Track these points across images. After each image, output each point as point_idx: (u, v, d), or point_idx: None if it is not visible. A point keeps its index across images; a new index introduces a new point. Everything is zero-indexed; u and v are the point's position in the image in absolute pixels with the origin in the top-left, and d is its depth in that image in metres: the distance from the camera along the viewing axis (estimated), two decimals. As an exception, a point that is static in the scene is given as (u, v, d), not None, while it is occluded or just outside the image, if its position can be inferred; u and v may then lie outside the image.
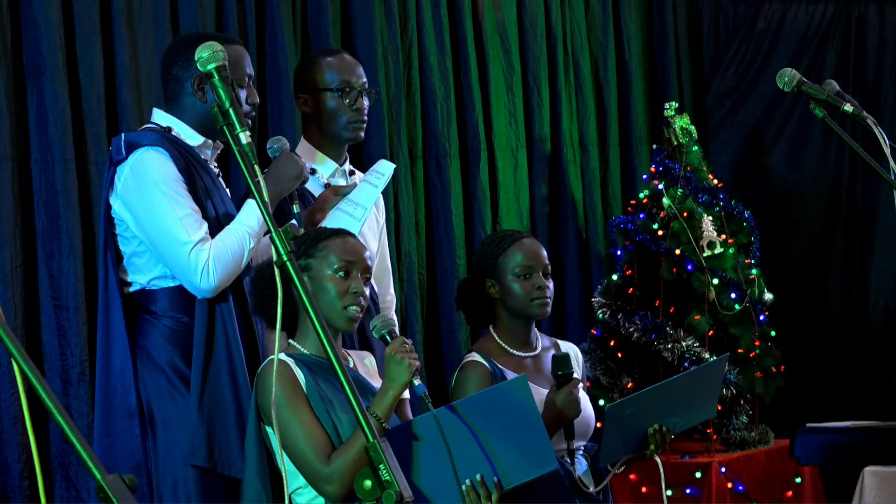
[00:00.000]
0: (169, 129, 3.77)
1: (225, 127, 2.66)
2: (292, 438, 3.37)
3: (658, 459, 3.95)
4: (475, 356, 4.00)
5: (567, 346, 4.17)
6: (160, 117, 3.82)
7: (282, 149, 3.92)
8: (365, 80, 4.29)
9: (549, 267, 4.05)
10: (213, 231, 3.67)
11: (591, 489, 3.91)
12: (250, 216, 3.66)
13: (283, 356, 3.47)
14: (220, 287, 3.62)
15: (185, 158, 3.69)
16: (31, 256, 4.43)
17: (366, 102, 4.27)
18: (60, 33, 4.46)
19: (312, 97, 4.26)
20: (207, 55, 2.73)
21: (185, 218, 3.61)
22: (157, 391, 3.68)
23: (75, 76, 4.51)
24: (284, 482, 2.80)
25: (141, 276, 3.71)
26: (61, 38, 4.46)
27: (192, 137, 3.78)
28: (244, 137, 2.64)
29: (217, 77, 2.70)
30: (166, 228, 3.61)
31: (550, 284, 4.04)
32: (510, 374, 3.92)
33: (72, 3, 4.51)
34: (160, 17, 4.71)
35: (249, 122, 3.83)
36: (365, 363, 3.67)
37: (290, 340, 3.55)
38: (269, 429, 3.42)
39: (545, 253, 4.07)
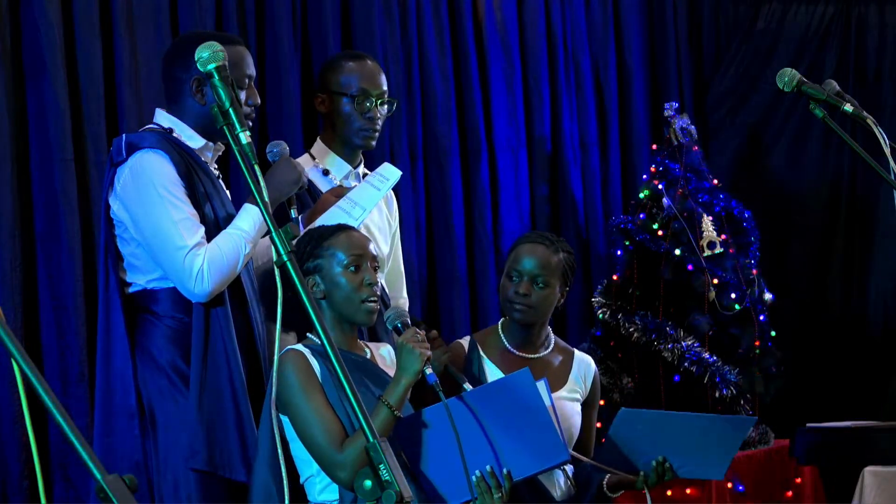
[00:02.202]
0: (170, 131, 3.76)
1: (225, 127, 2.66)
2: (306, 426, 3.43)
3: (647, 494, 3.82)
4: (464, 339, 4.04)
5: (581, 357, 4.13)
6: (162, 118, 3.81)
7: (281, 153, 3.91)
8: (385, 88, 4.28)
9: (542, 278, 3.94)
10: (214, 233, 3.67)
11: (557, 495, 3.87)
12: (247, 221, 3.66)
13: (299, 346, 3.52)
14: (214, 292, 3.62)
15: (185, 161, 3.68)
16: (30, 257, 4.43)
17: (384, 111, 4.27)
18: (60, 33, 4.45)
19: (329, 99, 4.28)
20: (208, 55, 2.72)
21: (182, 222, 3.61)
22: (159, 391, 3.68)
23: (75, 76, 4.51)
24: (284, 476, 2.81)
25: (140, 276, 3.71)
26: (61, 38, 4.46)
27: (194, 139, 3.77)
28: (244, 137, 2.63)
29: (217, 77, 2.70)
30: (162, 232, 3.60)
31: (540, 293, 3.96)
32: (487, 365, 3.93)
33: (72, 3, 4.51)
34: (160, 17, 4.71)
35: (249, 122, 3.83)
36: (381, 353, 3.71)
37: (309, 334, 3.59)
38: (284, 417, 3.46)
39: (542, 262, 3.95)
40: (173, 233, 3.60)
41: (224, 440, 3.61)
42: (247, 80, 3.79)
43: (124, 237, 3.71)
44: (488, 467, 3.46)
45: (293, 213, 3.84)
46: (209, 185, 3.72)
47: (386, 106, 4.30)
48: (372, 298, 3.54)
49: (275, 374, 2.87)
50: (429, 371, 3.41)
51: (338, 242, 3.57)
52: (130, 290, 3.73)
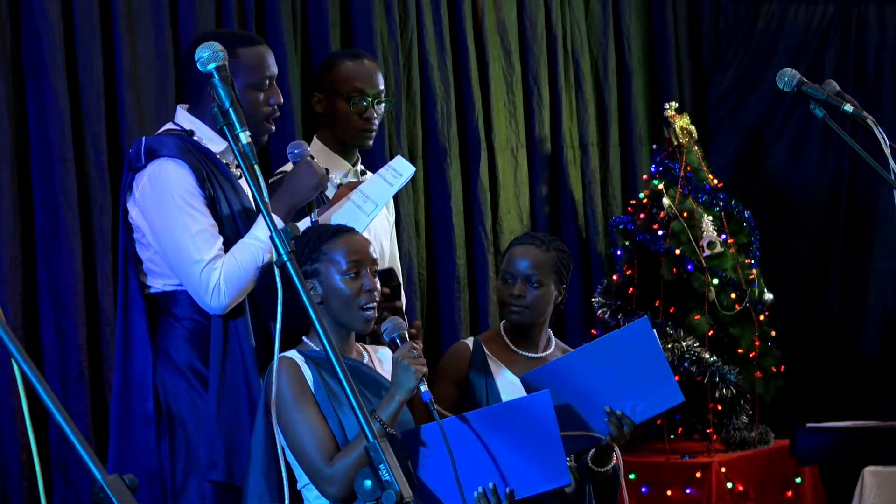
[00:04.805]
0: (191, 133, 3.71)
1: (225, 127, 2.65)
2: (297, 438, 3.38)
3: (617, 451, 3.80)
4: (468, 339, 4.03)
5: None
6: (183, 118, 3.76)
7: (302, 154, 3.79)
8: (381, 88, 4.25)
9: (536, 278, 3.93)
10: (232, 230, 3.63)
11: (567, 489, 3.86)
12: (264, 230, 3.57)
13: (293, 354, 3.47)
14: (231, 305, 3.59)
15: (204, 166, 3.63)
16: (30, 256, 4.43)
17: (381, 110, 4.25)
18: (60, 33, 4.45)
19: (326, 99, 4.26)
20: (207, 55, 2.71)
21: (200, 234, 3.58)
22: (177, 392, 3.65)
23: (75, 76, 4.51)
24: (284, 480, 2.81)
25: (158, 280, 3.69)
26: (61, 38, 4.45)
27: (215, 142, 3.72)
28: (244, 138, 2.63)
29: (217, 77, 2.69)
30: (180, 245, 3.58)
31: (534, 293, 3.95)
32: (495, 363, 3.92)
33: (72, 3, 4.51)
34: (160, 17, 4.71)
35: (272, 125, 3.78)
36: (379, 356, 3.66)
37: (304, 337, 3.54)
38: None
39: (534, 262, 3.95)
40: (190, 246, 3.57)
41: (241, 451, 3.58)
42: (267, 81, 3.73)
43: (143, 242, 3.68)
44: (491, 484, 3.44)
45: (313, 216, 3.75)
46: (229, 190, 3.67)
47: (383, 105, 4.27)
48: (370, 305, 3.48)
49: (273, 380, 2.86)
50: (424, 388, 3.37)
51: (337, 247, 3.49)
52: (150, 291, 3.71)
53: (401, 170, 3.90)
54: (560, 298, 4.04)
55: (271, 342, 3.69)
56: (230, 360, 3.61)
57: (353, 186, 3.94)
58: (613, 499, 3.92)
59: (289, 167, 4.14)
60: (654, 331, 3.81)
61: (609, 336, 3.88)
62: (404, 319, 3.86)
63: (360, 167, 4.30)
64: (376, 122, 4.25)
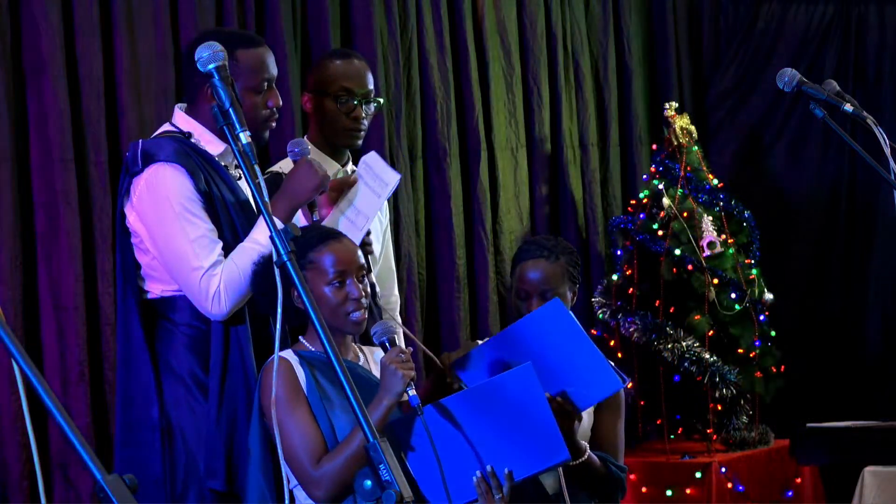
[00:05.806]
0: (189, 135, 3.67)
1: (225, 127, 2.65)
2: (286, 439, 3.37)
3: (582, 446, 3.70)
4: (479, 341, 4.02)
5: None
6: (180, 119, 3.71)
7: (302, 153, 3.73)
8: (370, 88, 4.23)
9: (552, 291, 3.86)
10: (227, 224, 3.62)
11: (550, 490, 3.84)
12: (263, 233, 3.52)
13: (287, 354, 3.46)
14: (232, 311, 3.56)
15: (203, 169, 3.60)
16: (30, 257, 4.43)
17: (370, 110, 4.23)
18: (60, 33, 4.46)
19: (315, 98, 4.24)
20: (208, 55, 2.70)
21: (198, 241, 3.54)
22: (177, 400, 3.63)
23: (75, 76, 4.51)
24: (284, 478, 2.80)
25: (157, 285, 3.66)
26: (61, 38, 4.46)
27: (213, 144, 3.67)
28: (244, 138, 2.62)
29: (217, 77, 2.69)
30: (178, 251, 3.55)
31: None
32: None
33: (72, 3, 4.51)
34: (160, 17, 4.71)
35: (272, 125, 3.74)
36: (375, 359, 3.65)
37: (301, 337, 3.53)
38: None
39: (547, 276, 3.89)
40: (189, 253, 3.53)
41: (241, 459, 3.56)
42: (266, 84, 3.69)
43: (140, 247, 3.65)
44: (489, 467, 3.43)
45: (315, 217, 3.71)
46: (227, 193, 3.64)
47: (372, 105, 4.25)
48: (357, 312, 3.45)
49: (273, 380, 2.85)
50: (412, 392, 3.34)
51: (322, 256, 3.45)
52: (148, 296, 3.67)
53: (386, 178, 3.85)
54: (574, 298, 4.02)
55: (271, 342, 3.69)
56: (231, 366, 3.59)
57: (345, 181, 3.88)
58: (613, 498, 3.89)
59: (282, 164, 4.14)
60: (571, 313, 3.75)
61: (524, 319, 3.77)
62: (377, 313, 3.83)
63: (350, 167, 4.27)
64: (365, 122, 4.21)
